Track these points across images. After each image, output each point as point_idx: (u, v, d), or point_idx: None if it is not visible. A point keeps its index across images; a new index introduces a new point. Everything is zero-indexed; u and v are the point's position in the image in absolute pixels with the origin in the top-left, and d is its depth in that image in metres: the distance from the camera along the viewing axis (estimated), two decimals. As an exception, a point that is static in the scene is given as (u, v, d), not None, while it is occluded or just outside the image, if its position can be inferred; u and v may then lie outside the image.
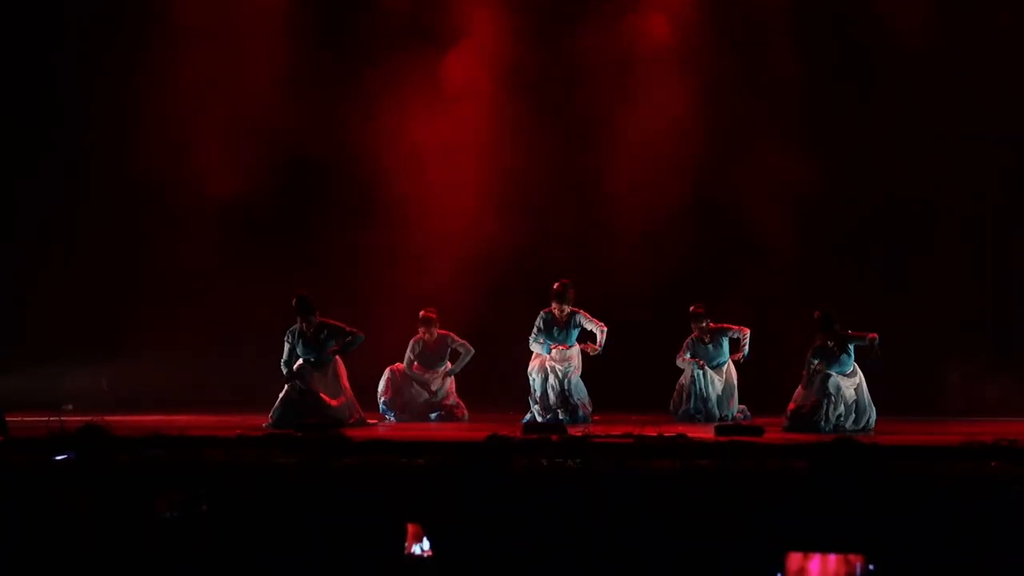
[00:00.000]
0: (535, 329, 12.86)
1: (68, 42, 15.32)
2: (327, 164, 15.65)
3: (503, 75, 15.39)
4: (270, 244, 15.49)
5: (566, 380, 12.72)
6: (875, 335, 11.88)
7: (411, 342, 13.42)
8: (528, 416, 12.63)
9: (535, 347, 12.86)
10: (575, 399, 12.70)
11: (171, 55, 15.16)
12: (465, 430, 12.01)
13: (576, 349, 12.87)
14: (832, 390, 11.78)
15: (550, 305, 12.81)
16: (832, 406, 11.76)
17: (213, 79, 15.11)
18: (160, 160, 15.11)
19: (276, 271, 14.95)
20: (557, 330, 12.81)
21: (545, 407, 12.68)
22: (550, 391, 12.73)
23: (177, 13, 15.17)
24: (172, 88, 15.17)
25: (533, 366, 12.90)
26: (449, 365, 13.47)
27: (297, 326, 12.31)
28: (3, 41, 15.30)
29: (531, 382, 12.86)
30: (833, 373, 11.83)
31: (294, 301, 12.30)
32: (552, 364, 12.75)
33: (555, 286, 12.80)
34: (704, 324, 13.38)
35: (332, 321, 12.41)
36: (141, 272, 15.50)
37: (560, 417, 12.41)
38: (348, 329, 12.38)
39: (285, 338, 12.36)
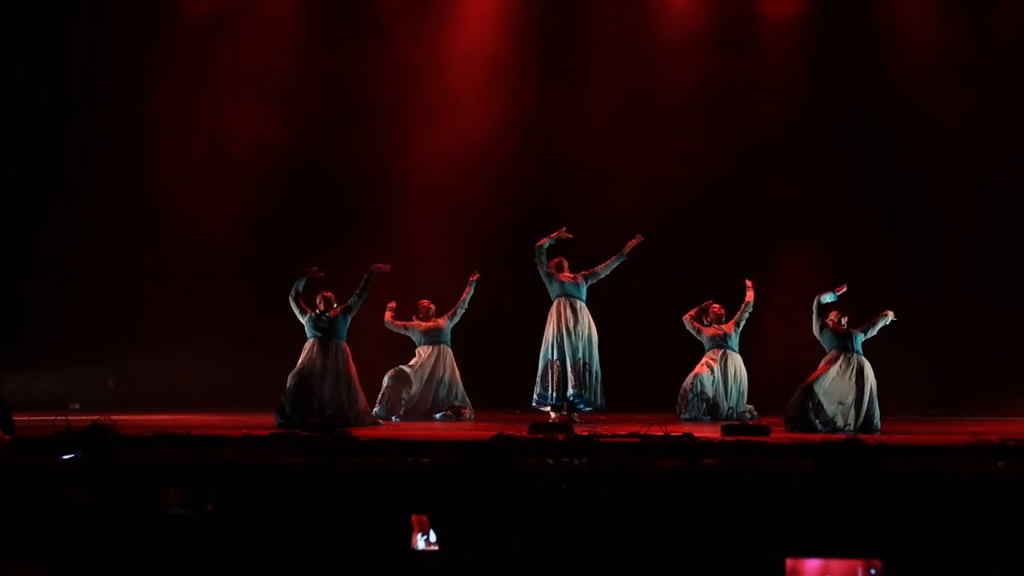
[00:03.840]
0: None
1: (79, 47, 15.34)
2: (337, 167, 15.64)
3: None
4: (278, 244, 15.46)
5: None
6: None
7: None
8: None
9: None
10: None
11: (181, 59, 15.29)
12: (470, 429, 12.01)
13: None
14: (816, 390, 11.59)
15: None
16: (816, 407, 11.55)
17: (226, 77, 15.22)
18: (168, 160, 15.12)
19: (283, 271, 14.94)
20: None
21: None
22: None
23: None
24: (182, 89, 15.25)
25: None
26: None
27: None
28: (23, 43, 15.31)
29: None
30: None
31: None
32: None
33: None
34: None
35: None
36: (148, 272, 15.48)
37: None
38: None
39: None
